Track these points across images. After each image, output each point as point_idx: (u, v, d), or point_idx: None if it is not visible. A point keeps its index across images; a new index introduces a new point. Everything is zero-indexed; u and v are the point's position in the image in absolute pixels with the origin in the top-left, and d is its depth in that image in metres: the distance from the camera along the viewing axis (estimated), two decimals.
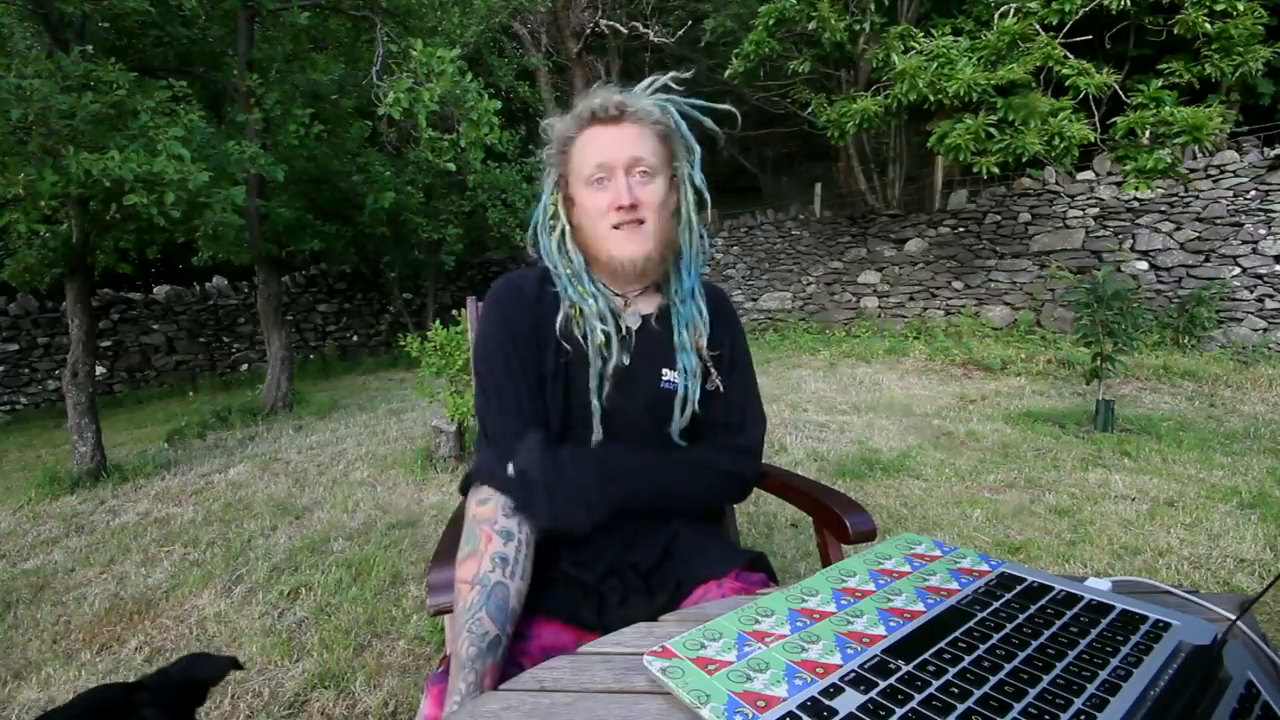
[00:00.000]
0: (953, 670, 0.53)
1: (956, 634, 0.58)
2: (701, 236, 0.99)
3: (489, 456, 0.90)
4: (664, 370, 0.97)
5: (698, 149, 0.97)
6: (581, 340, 0.94)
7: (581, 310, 0.94)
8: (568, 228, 0.96)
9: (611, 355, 0.93)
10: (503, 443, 0.89)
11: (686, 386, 0.96)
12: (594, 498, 0.86)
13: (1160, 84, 5.39)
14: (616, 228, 0.91)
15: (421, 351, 3.59)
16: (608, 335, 0.93)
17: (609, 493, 0.88)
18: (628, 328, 0.97)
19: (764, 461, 1.05)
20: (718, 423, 1.01)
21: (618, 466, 0.90)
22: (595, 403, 0.93)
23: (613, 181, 0.91)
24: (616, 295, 0.98)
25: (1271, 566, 2.10)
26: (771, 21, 6.57)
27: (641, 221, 0.91)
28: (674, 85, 0.97)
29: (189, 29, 4.89)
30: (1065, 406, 4.29)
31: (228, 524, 2.92)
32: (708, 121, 0.97)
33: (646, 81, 0.96)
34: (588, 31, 10.86)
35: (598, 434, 0.93)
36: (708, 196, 0.98)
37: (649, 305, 0.99)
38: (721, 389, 1.00)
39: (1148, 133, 5.26)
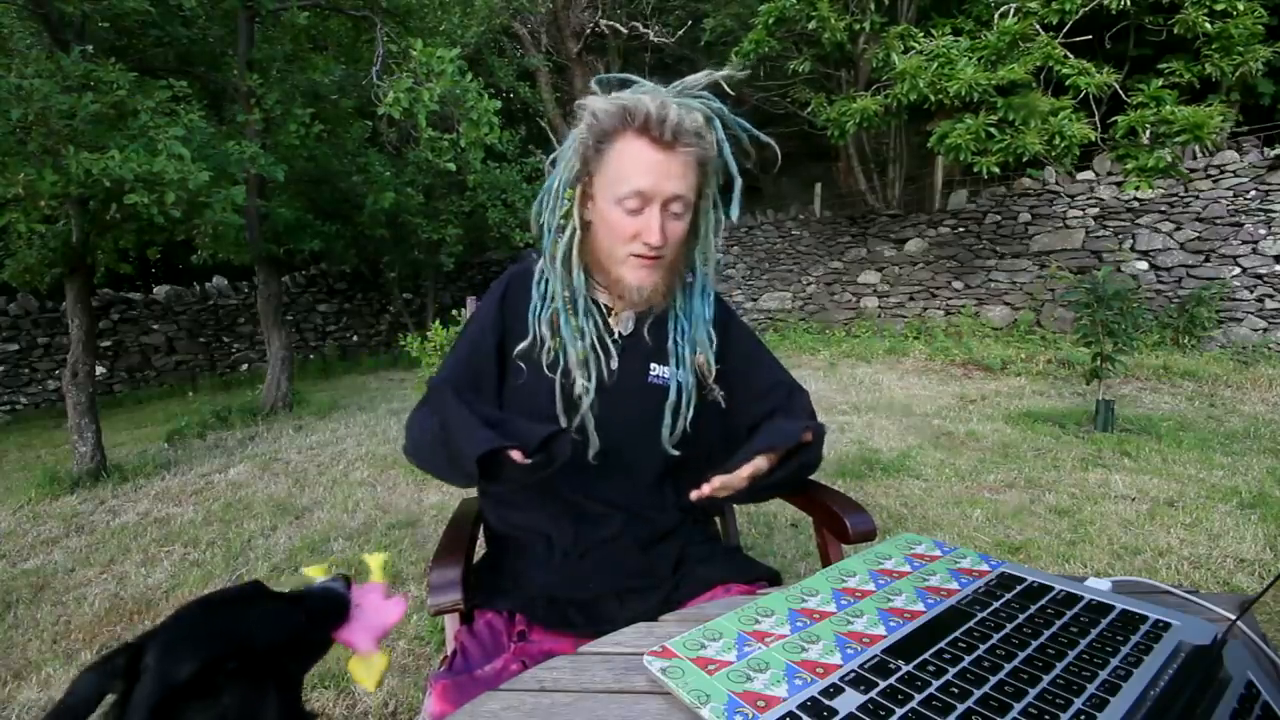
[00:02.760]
0: (953, 670, 0.53)
1: (956, 634, 0.58)
2: (719, 256, 0.96)
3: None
4: (651, 365, 0.96)
5: (739, 179, 0.89)
6: (546, 367, 0.92)
7: (560, 337, 0.92)
8: (579, 232, 0.91)
9: (590, 392, 0.92)
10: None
11: (679, 398, 0.95)
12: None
13: (1160, 83, 5.39)
14: (635, 255, 0.87)
15: (421, 351, 3.60)
16: (586, 388, 0.91)
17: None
18: (620, 333, 0.97)
19: None
20: (776, 409, 1.00)
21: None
22: (590, 417, 0.92)
23: (646, 213, 0.84)
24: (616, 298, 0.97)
25: (1271, 566, 2.10)
26: (771, 21, 6.57)
27: (661, 256, 0.88)
28: (726, 86, 0.89)
29: (189, 29, 4.89)
30: (1065, 406, 4.29)
31: (228, 524, 2.92)
32: (744, 140, 0.90)
33: (700, 76, 0.87)
34: (588, 31, 10.86)
35: (595, 444, 0.93)
36: (734, 217, 0.93)
37: (649, 306, 0.98)
38: (724, 403, 0.99)
39: (1148, 132, 5.26)
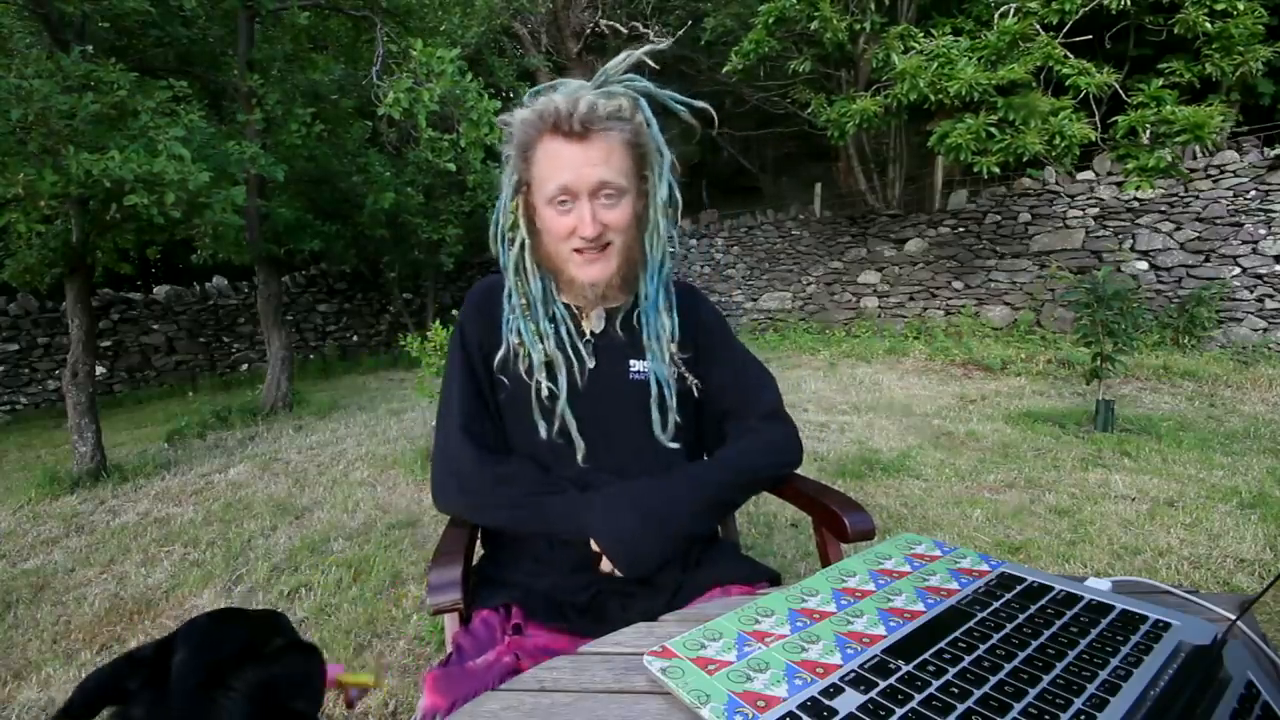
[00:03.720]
0: (953, 670, 0.53)
1: (956, 634, 0.58)
2: (671, 237, 0.94)
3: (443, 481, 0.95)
4: (631, 361, 0.97)
5: (668, 155, 0.90)
6: (524, 375, 0.93)
7: (527, 347, 0.93)
8: (528, 241, 0.92)
9: (561, 394, 0.92)
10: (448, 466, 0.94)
11: (662, 390, 0.95)
12: (648, 546, 0.86)
13: (1160, 83, 5.39)
14: (579, 251, 0.88)
15: (421, 351, 3.59)
16: (552, 389, 0.92)
17: (659, 541, 0.87)
18: (591, 331, 0.97)
19: None
20: (729, 410, 1.01)
21: (658, 513, 0.88)
22: (570, 419, 0.92)
23: (576, 207, 0.85)
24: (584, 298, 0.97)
25: (1271, 566, 2.10)
26: (771, 20, 6.57)
27: (607, 244, 0.88)
28: (649, 61, 0.88)
29: (189, 29, 4.89)
30: (1065, 406, 4.29)
31: (228, 524, 2.92)
32: (684, 113, 0.90)
33: (620, 58, 0.87)
34: (588, 31, 10.87)
35: (580, 446, 0.93)
36: (679, 197, 0.92)
37: (616, 301, 0.98)
38: (697, 392, 1.00)
39: (1148, 132, 5.26)
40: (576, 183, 0.84)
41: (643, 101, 0.87)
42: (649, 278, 0.95)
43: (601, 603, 0.89)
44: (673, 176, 0.91)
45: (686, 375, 0.99)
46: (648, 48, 0.88)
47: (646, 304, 0.96)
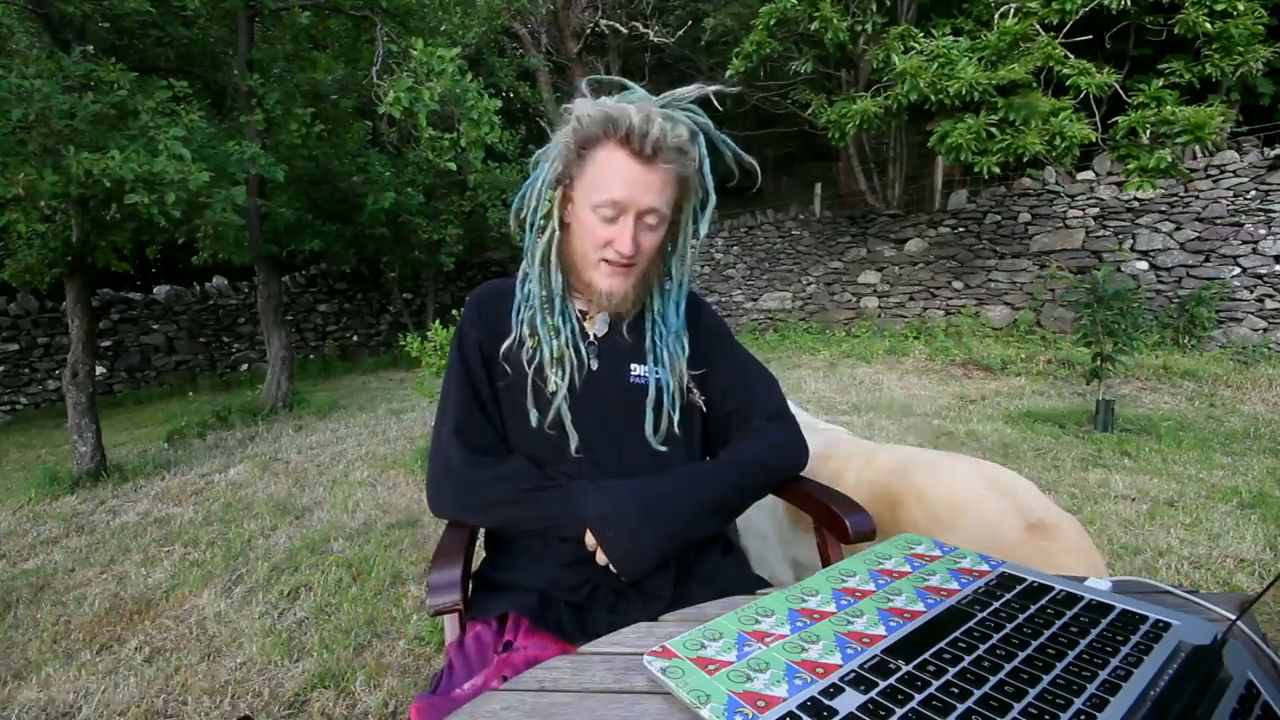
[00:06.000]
0: (953, 670, 0.52)
1: (956, 634, 0.58)
2: (694, 257, 0.98)
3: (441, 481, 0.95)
4: (632, 365, 0.98)
5: (713, 197, 0.93)
6: (525, 364, 0.94)
7: (538, 335, 0.94)
8: (558, 233, 0.93)
9: (561, 388, 0.93)
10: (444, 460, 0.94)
11: (661, 394, 0.96)
12: (647, 541, 0.86)
13: (1161, 84, 5.38)
14: (607, 261, 0.90)
15: (422, 351, 3.59)
16: (559, 385, 0.93)
17: (659, 540, 0.87)
18: (595, 335, 0.98)
19: None
20: (733, 412, 1.02)
21: (660, 507, 0.88)
22: (565, 412, 0.93)
23: (621, 221, 0.87)
24: (589, 301, 0.99)
25: (1271, 566, 2.10)
26: (772, 21, 6.58)
27: (632, 265, 0.90)
28: (712, 97, 0.91)
29: (189, 29, 4.89)
30: (1065, 406, 4.29)
31: (228, 524, 2.92)
32: (728, 155, 0.92)
33: (691, 89, 0.89)
34: (588, 31, 10.87)
35: (574, 439, 0.93)
36: (702, 233, 0.96)
37: (624, 310, 0.99)
38: (705, 409, 1.01)
39: (1148, 132, 5.26)
40: (629, 201, 0.86)
41: (700, 137, 0.89)
42: (671, 302, 0.98)
43: (595, 601, 0.89)
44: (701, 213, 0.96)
45: (693, 389, 1.00)
46: (716, 87, 0.91)
47: (668, 331, 0.98)
